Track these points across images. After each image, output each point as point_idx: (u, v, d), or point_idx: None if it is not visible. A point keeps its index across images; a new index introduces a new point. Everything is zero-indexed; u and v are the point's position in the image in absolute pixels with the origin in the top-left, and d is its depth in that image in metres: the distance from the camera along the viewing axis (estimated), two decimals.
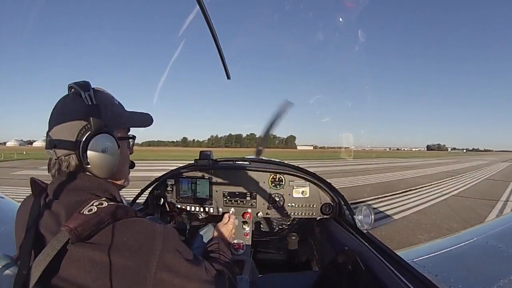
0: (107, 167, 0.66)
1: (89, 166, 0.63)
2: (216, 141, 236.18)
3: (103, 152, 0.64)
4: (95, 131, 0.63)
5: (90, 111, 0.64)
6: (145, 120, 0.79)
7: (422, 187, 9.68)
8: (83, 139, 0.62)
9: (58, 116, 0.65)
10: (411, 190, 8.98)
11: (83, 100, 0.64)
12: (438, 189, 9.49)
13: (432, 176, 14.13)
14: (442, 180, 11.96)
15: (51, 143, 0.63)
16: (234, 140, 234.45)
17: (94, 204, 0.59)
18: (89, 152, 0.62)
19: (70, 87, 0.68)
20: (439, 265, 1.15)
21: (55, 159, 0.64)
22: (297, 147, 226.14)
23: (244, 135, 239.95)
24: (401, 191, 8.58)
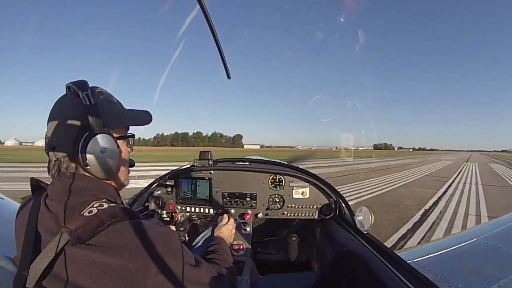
0: (107, 168, 0.66)
1: (88, 167, 0.63)
2: (162, 139, 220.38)
3: (102, 153, 0.63)
4: (93, 132, 0.62)
5: (88, 111, 0.62)
6: (144, 117, 0.77)
7: (435, 205, 7.32)
8: (82, 141, 0.61)
9: (56, 117, 0.64)
10: (426, 212, 6.55)
11: (81, 100, 0.63)
12: (456, 206, 7.29)
13: (421, 182, 12.05)
14: (442, 190, 9.79)
15: (50, 145, 0.63)
16: (180, 139, 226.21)
17: (94, 206, 0.59)
18: (88, 154, 0.61)
19: (68, 87, 0.67)
20: (439, 265, 1.15)
21: (55, 160, 0.64)
22: (244, 146, 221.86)
23: (190, 134, 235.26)
24: (420, 217, 6.04)
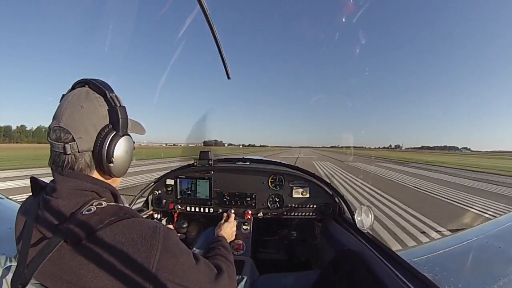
0: (125, 167, 0.72)
1: (112, 164, 0.66)
2: None
3: (126, 152, 0.69)
4: (122, 133, 0.67)
5: (119, 112, 0.66)
6: (141, 127, 0.81)
7: None
8: (109, 139, 0.65)
9: (79, 111, 0.62)
10: None
11: (108, 100, 0.66)
12: None
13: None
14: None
15: (67, 138, 0.61)
16: (2, 134, 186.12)
17: (94, 204, 0.60)
18: (115, 152, 0.66)
19: (84, 83, 0.67)
20: (439, 265, 1.14)
21: (69, 153, 0.62)
22: None
23: (14, 127, 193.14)
24: None
